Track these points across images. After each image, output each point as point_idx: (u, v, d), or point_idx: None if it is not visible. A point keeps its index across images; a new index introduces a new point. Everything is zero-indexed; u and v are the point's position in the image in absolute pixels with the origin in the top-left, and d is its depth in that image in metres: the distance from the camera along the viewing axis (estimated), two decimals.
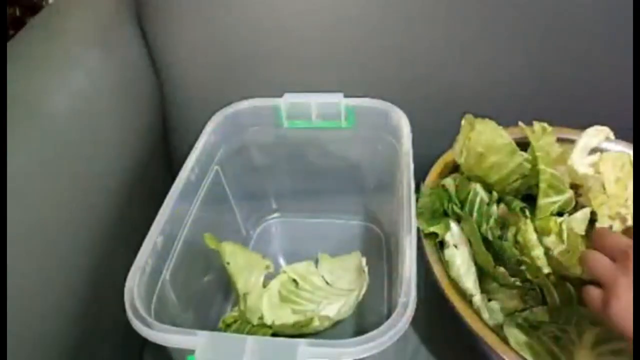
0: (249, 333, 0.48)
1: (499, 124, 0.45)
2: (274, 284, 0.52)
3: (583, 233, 0.42)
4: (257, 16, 0.57)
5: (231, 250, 0.49)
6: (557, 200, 0.43)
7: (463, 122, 0.47)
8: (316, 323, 0.47)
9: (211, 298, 0.53)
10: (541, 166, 0.43)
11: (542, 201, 0.42)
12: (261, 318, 0.49)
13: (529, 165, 0.44)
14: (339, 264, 0.56)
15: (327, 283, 0.54)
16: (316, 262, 0.56)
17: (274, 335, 0.48)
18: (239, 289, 0.49)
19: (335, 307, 0.51)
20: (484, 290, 0.44)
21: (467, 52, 0.58)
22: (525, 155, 0.45)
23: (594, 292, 0.34)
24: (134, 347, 0.52)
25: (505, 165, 0.45)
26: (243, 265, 0.49)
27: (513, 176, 0.45)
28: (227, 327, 0.49)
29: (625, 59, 0.57)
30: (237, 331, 0.48)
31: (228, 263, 0.48)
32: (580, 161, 0.48)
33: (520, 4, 0.56)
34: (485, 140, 0.45)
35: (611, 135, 0.50)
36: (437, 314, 0.46)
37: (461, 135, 0.48)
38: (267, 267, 0.51)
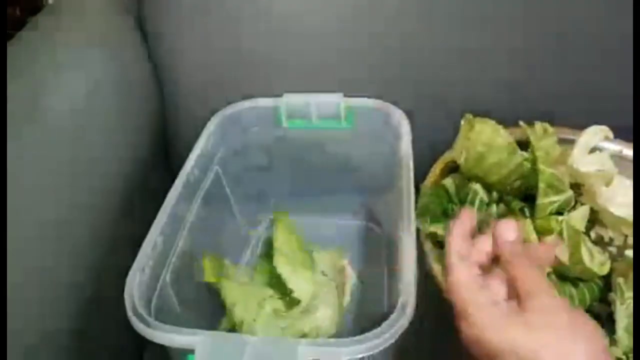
0: None
1: (499, 124, 0.45)
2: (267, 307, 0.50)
3: (583, 230, 0.42)
4: (257, 17, 0.57)
5: (229, 288, 0.49)
6: (557, 200, 0.42)
7: (463, 122, 0.47)
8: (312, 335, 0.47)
9: (211, 298, 0.53)
10: (540, 166, 0.43)
11: (541, 201, 0.42)
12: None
13: (528, 165, 0.44)
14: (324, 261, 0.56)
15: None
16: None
17: None
18: (235, 322, 0.48)
19: (329, 316, 0.50)
20: None
21: (467, 52, 0.58)
22: (525, 155, 0.45)
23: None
24: (134, 347, 0.52)
25: (505, 165, 0.45)
26: (240, 300, 0.48)
27: (513, 176, 0.45)
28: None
29: (625, 58, 0.57)
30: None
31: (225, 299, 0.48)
32: (581, 160, 0.48)
33: (520, 4, 0.56)
34: (484, 139, 0.45)
35: (610, 134, 0.50)
36: (437, 314, 0.46)
37: (461, 135, 0.48)
38: (267, 297, 0.50)
